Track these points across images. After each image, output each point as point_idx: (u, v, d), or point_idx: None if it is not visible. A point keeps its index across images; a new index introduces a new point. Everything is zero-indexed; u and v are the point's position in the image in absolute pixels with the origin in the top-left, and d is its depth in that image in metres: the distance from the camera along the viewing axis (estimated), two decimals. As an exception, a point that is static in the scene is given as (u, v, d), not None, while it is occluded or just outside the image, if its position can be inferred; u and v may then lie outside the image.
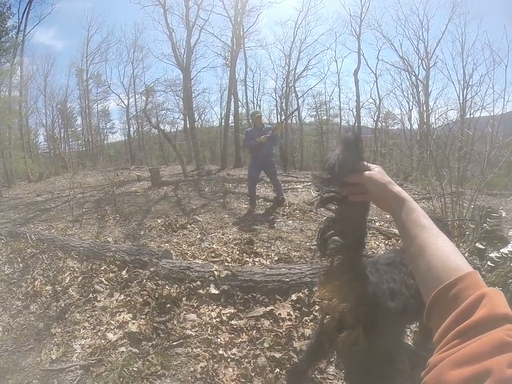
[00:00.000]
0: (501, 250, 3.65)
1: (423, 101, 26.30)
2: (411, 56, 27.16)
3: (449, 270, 0.71)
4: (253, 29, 25.74)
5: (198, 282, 3.48)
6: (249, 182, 7.67)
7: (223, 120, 26.56)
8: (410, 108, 28.23)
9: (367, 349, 1.42)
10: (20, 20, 23.15)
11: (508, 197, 10.34)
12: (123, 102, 31.71)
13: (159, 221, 6.69)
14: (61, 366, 2.62)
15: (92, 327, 3.09)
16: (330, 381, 2.34)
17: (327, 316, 1.60)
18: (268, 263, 4.23)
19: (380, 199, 0.99)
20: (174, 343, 2.77)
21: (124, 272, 3.91)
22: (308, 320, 2.96)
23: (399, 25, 27.62)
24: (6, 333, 3.13)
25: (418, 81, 26.57)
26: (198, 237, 5.57)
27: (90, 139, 33.73)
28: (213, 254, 4.63)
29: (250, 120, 9.00)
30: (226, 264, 4.09)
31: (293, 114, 30.55)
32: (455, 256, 0.76)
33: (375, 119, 29.24)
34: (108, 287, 3.72)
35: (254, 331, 2.88)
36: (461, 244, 4.23)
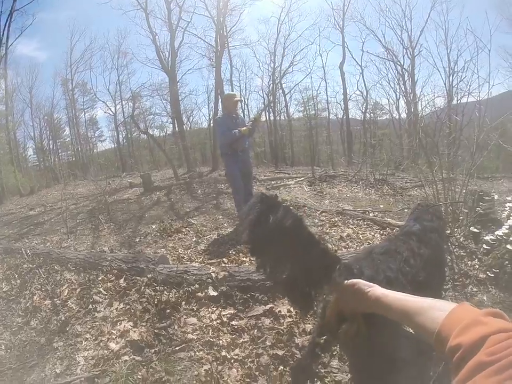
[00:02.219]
0: (496, 233, 3.70)
1: (410, 90, 26.44)
2: (395, 46, 27.18)
3: (432, 329, 0.84)
4: (236, 28, 25.64)
5: (196, 286, 3.49)
6: (237, 188, 6.04)
7: (211, 121, 26.53)
8: (398, 97, 28.32)
9: (369, 338, 1.43)
10: (1, 33, 22.90)
11: (500, 179, 10.43)
12: (110, 109, 31.53)
13: (153, 226, 6.68)
14: (65, 380, 2.62)
15: (94, 338, 3.08)
16: (334, 374, 2.36)
17: (328, 308, 1.56)
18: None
19: (356, 306, 1.21)
20: (177, 348, 2.78)
21: (121, 281, 3.90)
22: (308, 316, 2.97)
23: (382, 16, 27.48)
24: (9, 351, 3.12)
25: (404, 70, 26.68)
26: (193, 240, 5.56)
27: (79, 149, 33.52)
28: (209, 256, 4.63)
29: (220, 102, 7.19)
30: (223, 265, 4.10)
31: (279, 110, 30.59)
32: (433, 314, 0.88)
33: (363, 110, 29.26)
34: (106, 297, 3.72)
35: (255, 330, 2.90)
36: (456, 229, 4.25)
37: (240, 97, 6.91)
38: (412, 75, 26.15)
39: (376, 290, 1.12)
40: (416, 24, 26.68)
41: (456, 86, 22.59)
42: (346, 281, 1.21)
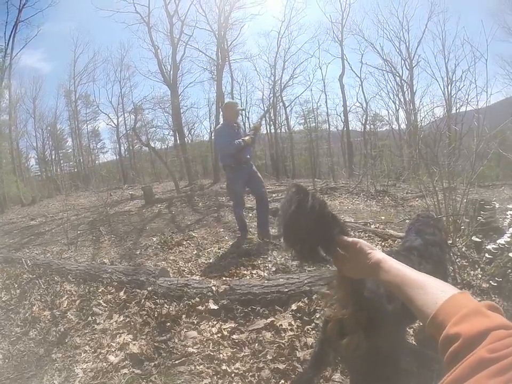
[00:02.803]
0: (498, 242, 3.67)
1: (409, 101, 26.60)
2: (394, 57, 27.50)
3: (429, 308, 0.81)
4: (237, 42, 26.11)
5: (197, 299, 3.46)
6: (238, 202, 5.95)
7: (212, 134, 26.61)
8: (397, 108, 28.52)
9: (370, 351, 1.44)
10: (6, 43, 23.17)
11: (500, 187, 10.42)
12: (112, 121, 31.78)
13: (154, 239, 6.66)
14: (63, 392, 2.59)
15: (93, 350, 3.06)
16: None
17: (329, 323, 1.61)
18: (266, 274, 4.22)
19: (355, 268, 1.17)
20: (177, 362, 2.75)
21: (121, 293, 3.88)
22: (310, 329, 2.95)
23: (380, 28, 27.86)
24: (7, 361, 3.10)
25: (402, 81, 26.89)
26: (194, 253, 5.54)
27: (81, 160, 33.66)
28: (210, 269, 4.61)
29: (221, 113, 6.52)
30: (224, 278, 4.08)
31: (279, 123, 30.72)
32: (432, 292, 0.84)
33: (363, 122, 29.43)
34: (106, 309, 3.70)
35: (256, 344, 2.87)
36: (457, 239, 4.24)
37: (242, 107, 6.38)
38: (411, 86, 26.45)
39: (378, 253, 1.11)
40: (414, 35, 27.24)
41: (454, 96, 22.75)
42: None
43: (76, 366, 2.87)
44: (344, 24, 27.24)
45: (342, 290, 1.42)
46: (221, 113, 5.95)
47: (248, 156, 5.71)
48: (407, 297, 0.91)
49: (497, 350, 0.58)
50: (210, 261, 5.02)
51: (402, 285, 0.94)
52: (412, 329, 2.74)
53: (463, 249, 4.07)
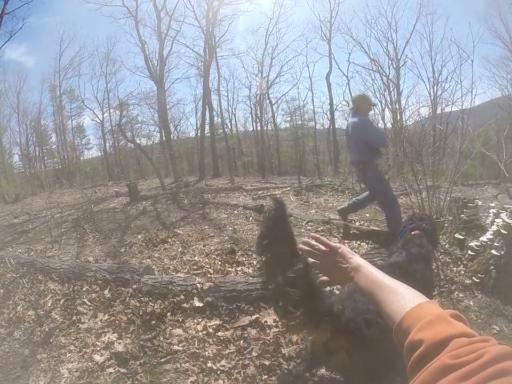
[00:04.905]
0: (480, 239, 3.77)
1: (395, 100, 26.77)
2: (381, 57, 27.63)
3: (397, 314, 0.84)
4: (225, 38, 25.95)
5: (182, 296, 3.47)
6: (394, 196, 5.27)
7: (199, 131, 26.54)
8: (383, 107, 28.64)
9: (355, 369, 1.62)
10: (-10, 36, 22.66)
11: (483, 186, 10.56)
12: (97, 117, 31.34)
13: (139, 236, 6.63)
14: (49, 393, 2.58)
15: (78, 350, 3.04)
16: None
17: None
18: (251, 271, 4.24)
19: (335, 272, 1.21)
20: (162, 360, 2.75)
21: (106, 292, 3.86)
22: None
23: (368, 28, 27.97)
24: (-9, 362, 3.07)
25: (389, 81, 27.04)
26: (179, 250, 5.53)
27: (66, 156, 33.20)
28: (195, 267, 4.62)
29: (351, 105, 5.71)
30: (208, 275, 4.09)
31: (265, 120, 30.76)
32: (403, 299, 0.88)
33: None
34: (91, 308, 3.68)
35: (241, 341, 2.89)
36: (441, 236, 4.30)
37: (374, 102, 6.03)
38: (397, 85, 26.55)
39: (358, 258, 1.15)
40: (402, 35, 27.28)
41: (440, 96, 23.00)
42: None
43: (61, 366, 2.85)
44: (332, 22, 27.32)
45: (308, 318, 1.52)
46: (351, 105, 5.57)
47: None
48: (379, 302, 0.95)
49: (459, 357, 0.61)
50: (195, 258, 5.01)
51: (377, 290, 0.99)
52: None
53: (446, 246, 4.16)
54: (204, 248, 5.50)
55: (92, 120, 32.37)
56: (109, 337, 3.07)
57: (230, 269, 4.39)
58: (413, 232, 2.54)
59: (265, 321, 3.06)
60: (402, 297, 0.89)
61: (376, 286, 1.00)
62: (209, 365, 2.63)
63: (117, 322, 3.29)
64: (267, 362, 2.59)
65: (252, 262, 4.57)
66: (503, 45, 22.11)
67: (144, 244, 6.06)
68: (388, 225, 5.04)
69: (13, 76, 29.29)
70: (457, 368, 0.58)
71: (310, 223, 6.50)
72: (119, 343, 2.98)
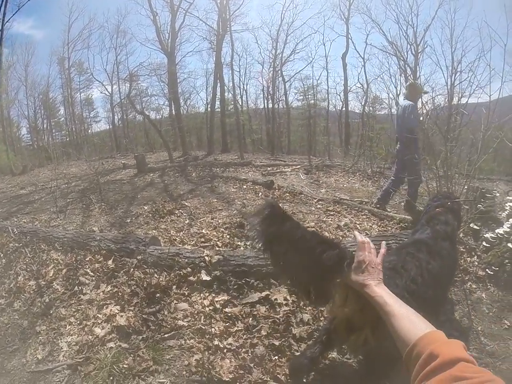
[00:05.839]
0: (496, 231, 3.68)
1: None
2: (399, 41, 26.94)
3: (411, 338, 1.01)
4: (239, 12, 25.21)
5: (189, 269, 3.34)
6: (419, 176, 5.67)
7: (209, 106, 26.21)
8: (398, 93, 28.10)
9: (376, 348, 1.56)
10: (-3, 9, 22.37)
11: (495, 181, 10.36)
12: (106, 89, 30.95)
13: (145, 207, 6.53)
14: (47, 367, 2.48)
15: (78, 322, 2.93)
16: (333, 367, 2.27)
17: (335, 318, 1.76)
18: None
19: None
20: (166, 335, 2.63)
21: (110, 262, 3.74)
22: (305, 305, 2.84)
23: (388, 10, 27.12)
24: (-10, 334, 2.96)
25: (406, 66, 26.45)
26: (186, 222, 5.42)
27: (74, 129, 33.06)
28: (202, 239, 4.49)
29: (404, 91, 6.54)
30: (217, 249, 3.95)
31: (277, 98, 30.39)
32: (414, 325, 1.07)
33: (362, 103, 29.02)
34: (93, 278, 3.56)
35: (250, 318, 2.76)
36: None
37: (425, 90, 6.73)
38: (415, 71, 25.94)
39: (382, 291, 1.30)
40: (422, 20, 26.43)
41: (458, 86, 22.45)
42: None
43: (61, 339, 2.75)
44: (352, 1, 26.50)
45: (343, 290, 1.52)
46: (405, 91, 6.23)
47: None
48: (394, 327, 1.12)
49: (467, 372, 0.77)
50: (203, 230, 4.86)
51: (392, 316, 1.16)
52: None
53: (461, 235, 4.04)
54: (212, 221, 5.37)
55: (101, 92, 32.04)
56: (111, 310, 2.95)
57: (239, 243, 4.24)
58: (437, 209, 2.48)
59: (275, 299, 2.92)
60: (413, 323, 1.09)
61: (392, 314, 1.17)
62: (215, 342, 2.51)
63: (120, 294, 3.17)
64: (276, 343, 2.46)
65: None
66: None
67: (150, 215, 5.96)
68: (408, 194, 5.66)
69: (21, 49, 28.97)
70: (465, 379, 0.75)
71: (320, 202, 6.38)
72: (121, 316, 2.85)
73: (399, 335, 1.07)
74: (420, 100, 6.06)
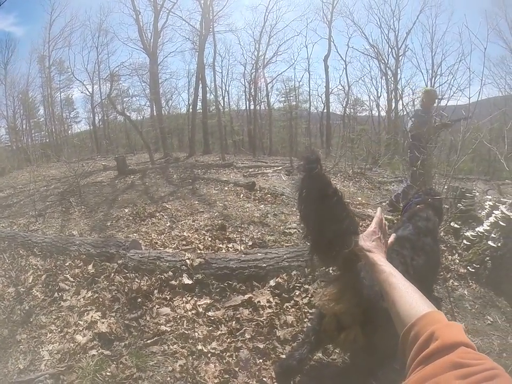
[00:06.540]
0: (476, 229, 3.77)
1: (392, 89, 26.62)
2: (381, 44, 27.28)
3: (410, 316, 0.96)
4: (223, 13, 25.19)
5: (170, 273, 3.33)
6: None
7: (190, 107, 26.08)
8: (379, 95, 28.44)
9: (366, 346, 1.56)
10: (-24, 6, 21.91)
11: (473, 181, 10.56)
12: (87, 89, 30.56)
13: (126, 210, 6.47)
14: (29, 377, 2.43)
15: (59, 329, 2.89)
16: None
17: (324, 316, 1.75)
18: (242, 248, 4.11)
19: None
20: (149, 341, 2.61)
21: (90, 267, 3.70)
22: (289, 307, 2.88)
23: (371, 14, 27.41)
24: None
25: (387, 69, 26.80)
26: (167, 224, 5.40)
27: (53, 129, 32.57)
28: (184, 242, 4.49)
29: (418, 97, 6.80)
30: (198, 251, 3.94)
31: (259, 99, 30.45)
32: (416, 303, 1.01)
33: (343, 105, 29.30)
34: (73, 284, 3.52)
35: (233, 322, 2.76)
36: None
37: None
38: (395, 74, 26.30)
39: (387, 267, 1.23)
40: (404, 25, 26.76)
41: (438, 89, 22.83)
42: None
43: (42, 348, 2.71)
44: (335, 5, 26.65)
45: (338, 285, 1.55)
46: (419, 97, 6.45)
47: None
48: (394, 303, 1.07)
49: (467, 358, 0.72)
50: (184, 233, 4.84)
51: (395, 289, 1.11)
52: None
53: (442, 234, 4.12)
54: (193, 223, 5.35)
55: (82, 92, 31.57)
56: (92, 316, 2.92)
57: (220, 246, 4.24)
58: (418, 206, 2.52)
59: (258, 301, 2.93)
60: (415, 299, 1.03)
61: (393, 287, 1.12)
62: (199, 347, 2.50)
63: (101, 300, 3.14)
64: (261, 345, 2.47)
65: (243, 239, 4.44)
66: (505, 45, 21.86)
67: (131, 218, 5.91)
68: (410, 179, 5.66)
69: (0, 46, 28.48)
70: (465, 366, 0.69)
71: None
72: (103, 322, 2.82)
73: (399, 311, 1.02)
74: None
